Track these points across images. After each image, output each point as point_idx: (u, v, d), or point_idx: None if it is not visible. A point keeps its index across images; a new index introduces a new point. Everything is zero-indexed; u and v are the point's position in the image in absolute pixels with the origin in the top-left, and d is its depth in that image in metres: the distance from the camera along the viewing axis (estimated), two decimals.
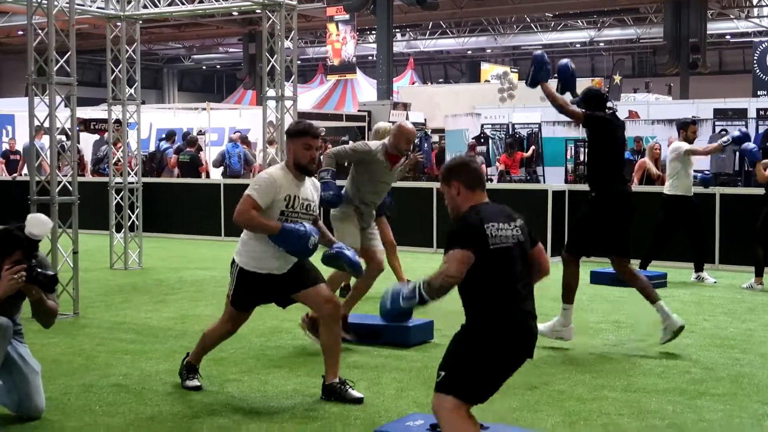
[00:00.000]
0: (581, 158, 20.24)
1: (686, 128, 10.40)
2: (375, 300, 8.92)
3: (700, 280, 10.40)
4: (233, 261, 5.55)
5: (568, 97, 7.30)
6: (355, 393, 5.45)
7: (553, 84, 7.10)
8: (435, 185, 12.84)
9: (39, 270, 4.87)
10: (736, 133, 10.39)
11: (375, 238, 7.13)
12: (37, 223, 4.91)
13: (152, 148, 24.15)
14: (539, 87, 7.04)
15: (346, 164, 7.48)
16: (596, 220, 6.96)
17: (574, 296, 6.98)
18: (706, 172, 10.40)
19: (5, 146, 21.20)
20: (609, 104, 7.19)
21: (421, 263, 9.61)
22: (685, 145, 10.25)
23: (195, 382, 5.75)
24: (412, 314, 4.04)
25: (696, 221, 10.48)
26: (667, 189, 10.42)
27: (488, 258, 3.91)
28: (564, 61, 7.37)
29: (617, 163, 7.03)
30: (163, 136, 20.71)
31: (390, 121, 23.41)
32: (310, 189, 5.58)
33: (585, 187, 8.80)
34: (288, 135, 5.57)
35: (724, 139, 11.06)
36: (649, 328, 7.55)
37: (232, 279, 5.54)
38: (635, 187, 8.33)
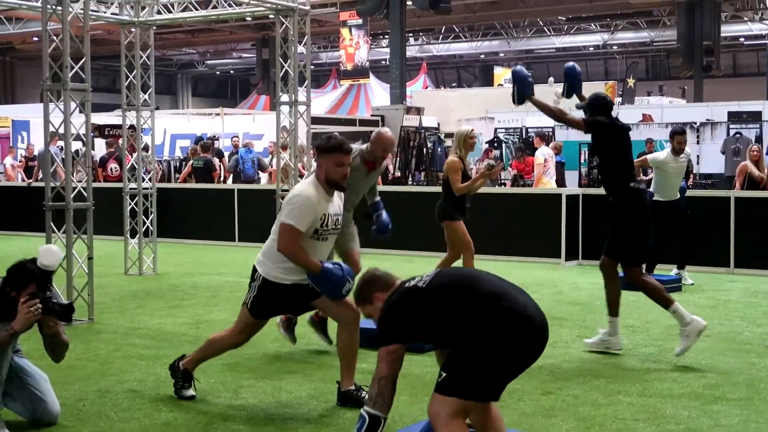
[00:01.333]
0: (594, 162, 20.14)
1: (673, 138, 10.30)
2: None
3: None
4: (255, 270, 5.48)
5: (571, 100, 7.30)
6: None
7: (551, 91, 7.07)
8: None
9: (54, 300, 4.91)
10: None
11: (353, 240, 7.11)
12: (49, 254, 4.94)
13: (166, 154, 24.25)
14: (527, 102, 6.92)
15: None
16: (620, 224, 6.89)
17: (618, 308, 6.96)
18: (683, 184, 10.47)
19: (21, 152, 21.29)
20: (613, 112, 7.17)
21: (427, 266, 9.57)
22: (656, 157, 10.42)
23: (191, 392, 5.66)
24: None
25: (682, 223, 10.47)
26: None
27: (427, 299, 4.00)
28: (570, 63, 7.38)
29: (626, 164, 6.95)
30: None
31: (422, 128, 23.32)
32: (338, 202, 5.54)
33: (599, 191, 8.79)
34: (319, 151, 5.46)
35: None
36: (663, 332, 7.55)
37: (253, 288, 5.46)
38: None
